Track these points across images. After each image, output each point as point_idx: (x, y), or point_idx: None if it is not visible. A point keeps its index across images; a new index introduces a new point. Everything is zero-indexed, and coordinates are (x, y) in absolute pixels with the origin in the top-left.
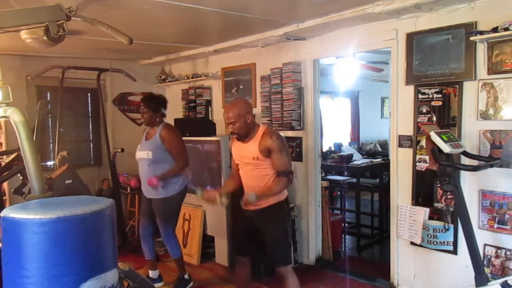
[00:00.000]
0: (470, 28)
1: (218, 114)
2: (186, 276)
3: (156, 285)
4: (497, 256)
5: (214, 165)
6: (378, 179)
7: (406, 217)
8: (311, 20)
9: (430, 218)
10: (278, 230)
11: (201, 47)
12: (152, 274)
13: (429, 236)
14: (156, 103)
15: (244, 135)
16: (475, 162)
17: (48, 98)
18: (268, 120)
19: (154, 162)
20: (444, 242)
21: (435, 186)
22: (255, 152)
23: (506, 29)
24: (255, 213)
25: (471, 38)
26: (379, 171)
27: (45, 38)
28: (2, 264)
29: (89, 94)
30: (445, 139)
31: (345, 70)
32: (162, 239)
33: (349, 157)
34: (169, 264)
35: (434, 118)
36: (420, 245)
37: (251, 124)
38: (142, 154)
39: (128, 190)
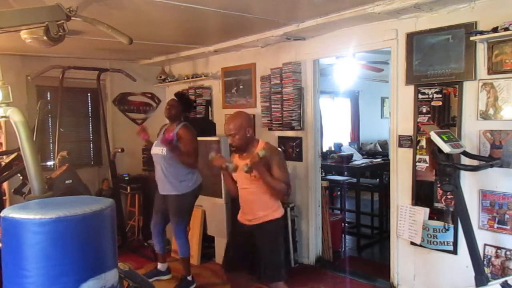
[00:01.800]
0: (470, 28)
1: (218, 114)
2: (189, 278)
3: (164, 277)
4: (497, 256)
5: (214, 165)
6: (378, 179)
7: (406, 217)
8: (311, 20)
9: (430, 218)
10: (272, 247)
11: (201, 47)
12: (161, 266)
13: (429, 236)
14: (188, 103)
15: (243, 149)
16: (475, 162)
17: (48, 98)
18: (268, 120)
19: (168, 158)
20: (444, 242)
21: (435, 186)
22: None
23: (506, 29)
24: (251, 228)
25: (471, 38)
26: (379, 171)
27: (45, 38)
28: (2, 264)
29: (89, 94)
30: (445, 139)
31: (345, 70)
32: (174, 236)
33: (349, 157)
34: (168, 264)
35: (435, 119)
36: (420, 245)
37: (250, 138)
38: (157, 150)
39: (128, 190)
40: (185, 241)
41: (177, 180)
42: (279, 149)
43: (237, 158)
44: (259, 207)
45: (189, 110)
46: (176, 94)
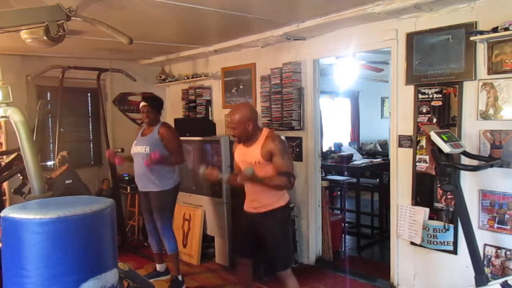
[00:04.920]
0: (470, 28)
1: (218, 114)
2: (180, 278)
3: (163, 278)
4: (497, 256)
5: (214, 166)
6: (378, 179)
7: (406, 217)
8: (311, 20)
9: (430, 218)
10: (278, 235)
11: (201, 47)
12: (159, 267)
13: (429, 236)
14: (159, 103)
15: (244, 140)
16: (475, 162)
17: (48, 98)
18: (268, 120)
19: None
20: (444, 242)
21: (435, 186)
22: (257, 156)
23: (506, 29)
24: (256, 217)
25: (471, 38)
26: (379, 171)
27: (45, 38)
28: (2, 264)
29: (89, 94)
30: (445, 139)
31: (345, 70)
32: (160, 233)
33: (349, 157)
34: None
35: (434, 119)
36: (420, 245)
37: (252, 131)
38: (139, 149)
39: (128, 190)
40: (173, 236)
41: (159, 178)
42: (283, 137)
43: (240, 148)
44: (263, 196)
45: (162, 108)
46: (146, 100)
